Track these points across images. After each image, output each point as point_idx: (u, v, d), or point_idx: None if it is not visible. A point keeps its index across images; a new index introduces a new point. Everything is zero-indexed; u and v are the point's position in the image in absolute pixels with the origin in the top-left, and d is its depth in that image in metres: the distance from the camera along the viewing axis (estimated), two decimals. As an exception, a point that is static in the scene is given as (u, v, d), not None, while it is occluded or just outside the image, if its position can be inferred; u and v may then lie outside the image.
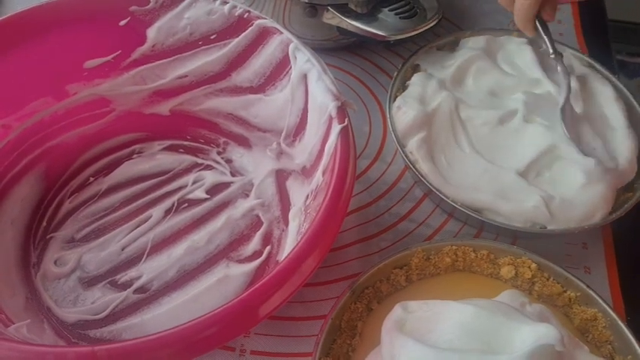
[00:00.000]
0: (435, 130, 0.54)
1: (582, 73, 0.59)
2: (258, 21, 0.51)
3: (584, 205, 0.49)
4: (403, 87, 0.58)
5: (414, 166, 0.52)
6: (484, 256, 0.46)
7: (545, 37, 0.56)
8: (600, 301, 0.43)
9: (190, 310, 0.47)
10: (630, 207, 0.50)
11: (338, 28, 0.61)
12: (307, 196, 0.49)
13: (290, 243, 0.50)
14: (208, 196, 0.55)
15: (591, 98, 0.58)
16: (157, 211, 0.54)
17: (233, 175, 0.57)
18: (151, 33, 0.53)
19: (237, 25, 0.52)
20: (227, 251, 0.52)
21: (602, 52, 0.67)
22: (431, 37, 0.65)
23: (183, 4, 0.53)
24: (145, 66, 0.55)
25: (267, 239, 0.53)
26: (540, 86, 0.57)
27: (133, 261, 0.51)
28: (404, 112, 0.54)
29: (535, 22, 0.55)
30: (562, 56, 0.56)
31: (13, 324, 0.42)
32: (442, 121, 0.54)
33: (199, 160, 0.58)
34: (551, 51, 0.56)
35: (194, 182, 0.56)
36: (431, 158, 0.52)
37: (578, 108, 0.55)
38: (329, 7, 0.59)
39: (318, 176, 0.46)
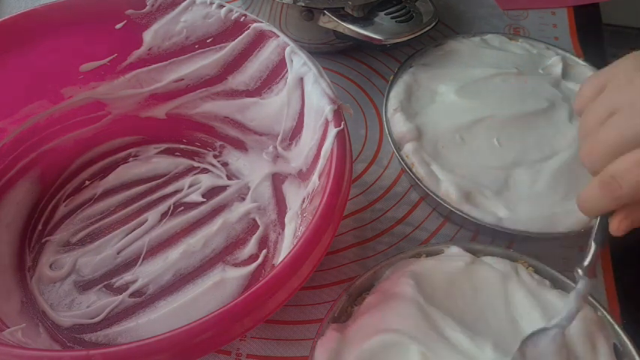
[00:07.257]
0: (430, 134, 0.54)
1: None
2: (255, 24, 0.51)
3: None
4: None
5: (410, 170, 0.52)
6: (480, 259, 0.46)
7: (590, 251, 0.40)
8: (596, 304, 0.43)
9: (186, 314, 0.47)
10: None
11: (334, 31, 0.61)
12: (303, 199, 0.49)
13: (286, 247, 0.50)
14: (204, 200, 0.55)
15: None
16: (152, 215, 0.54)
17: (229, 178, 0.57)
18: (148, 36, 0.53)
19: (234, 28, 0.52)
20: (223, 255, 0.52)
21: (597, 56, 0.67)
22: (427, 40, 0.65)
23: (180, 7, 0.53)
24: (141, 69, 0.55)
25: (263, 243, 0.53)
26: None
27: (129, 265, 0.51)
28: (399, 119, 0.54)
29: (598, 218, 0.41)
30: (586, 281, 0.40)
31: (8, 328, 0.42)
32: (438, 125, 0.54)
33: (195, 164, 0.58)
34: (582, 269, 0.40)
35: (190, 186, 0.56)
36: (427, 162, 0.52)
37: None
38: (325, 11, 0.59)
39: (314, 180, 0.46)
